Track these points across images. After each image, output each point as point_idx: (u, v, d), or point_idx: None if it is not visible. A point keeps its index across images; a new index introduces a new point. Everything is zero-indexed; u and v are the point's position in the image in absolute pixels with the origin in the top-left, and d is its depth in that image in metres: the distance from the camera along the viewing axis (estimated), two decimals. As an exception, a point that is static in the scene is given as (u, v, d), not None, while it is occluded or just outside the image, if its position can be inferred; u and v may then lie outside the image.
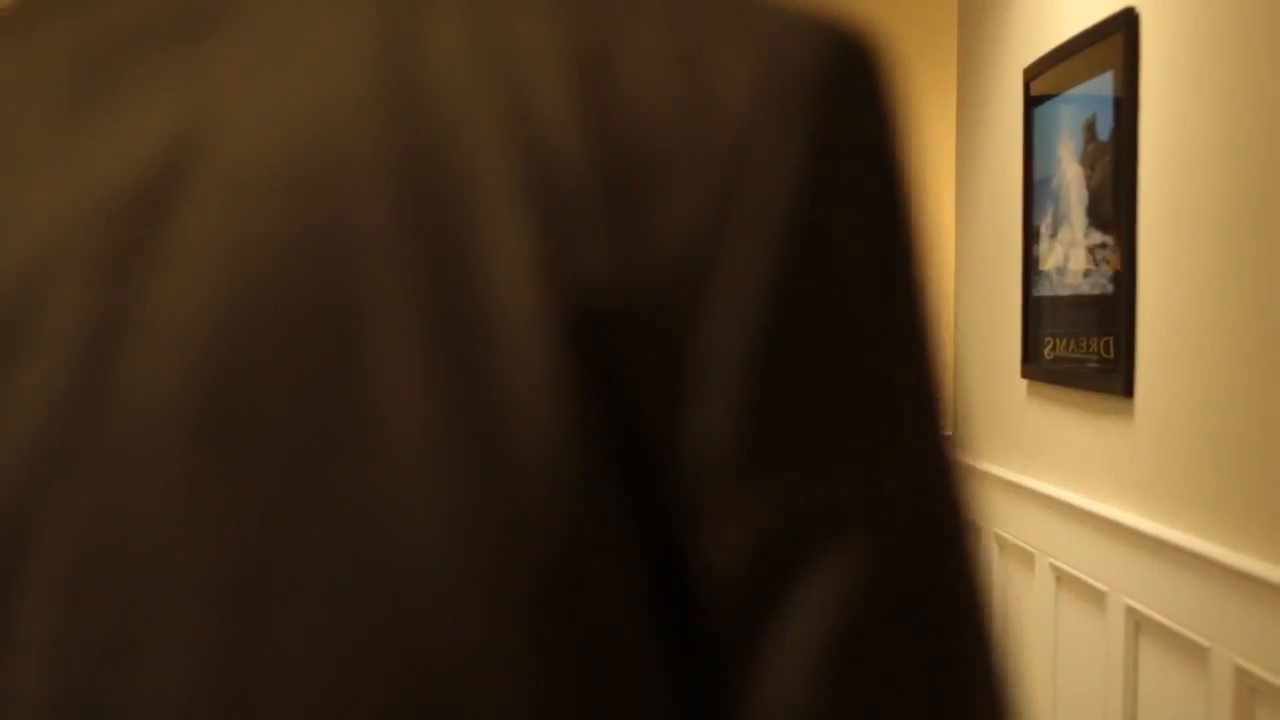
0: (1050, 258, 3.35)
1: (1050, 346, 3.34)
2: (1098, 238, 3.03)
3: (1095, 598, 2.95)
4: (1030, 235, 3.52)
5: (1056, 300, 3.29)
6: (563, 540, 0.49)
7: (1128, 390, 2.84)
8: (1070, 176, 3.22)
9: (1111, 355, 2.91)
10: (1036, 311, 3.46)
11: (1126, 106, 2.84)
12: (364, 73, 0.52)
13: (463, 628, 0.49)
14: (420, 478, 0.49)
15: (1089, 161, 3.10)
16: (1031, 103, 3.54)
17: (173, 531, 0.51)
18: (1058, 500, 3.20)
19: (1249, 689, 2.26)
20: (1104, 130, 2.99)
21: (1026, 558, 3.45)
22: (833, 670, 0.49)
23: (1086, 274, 3.08)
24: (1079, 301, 3.12)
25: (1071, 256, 3.20)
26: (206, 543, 0.51)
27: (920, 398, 0.51)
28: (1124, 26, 2.83)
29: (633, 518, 0.49)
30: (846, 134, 0.50)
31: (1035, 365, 3.46)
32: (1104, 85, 2.98)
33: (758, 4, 0.51)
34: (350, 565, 0.50)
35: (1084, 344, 3.08)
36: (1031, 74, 3.52)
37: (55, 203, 0.53)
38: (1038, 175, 3.48)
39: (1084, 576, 3.00)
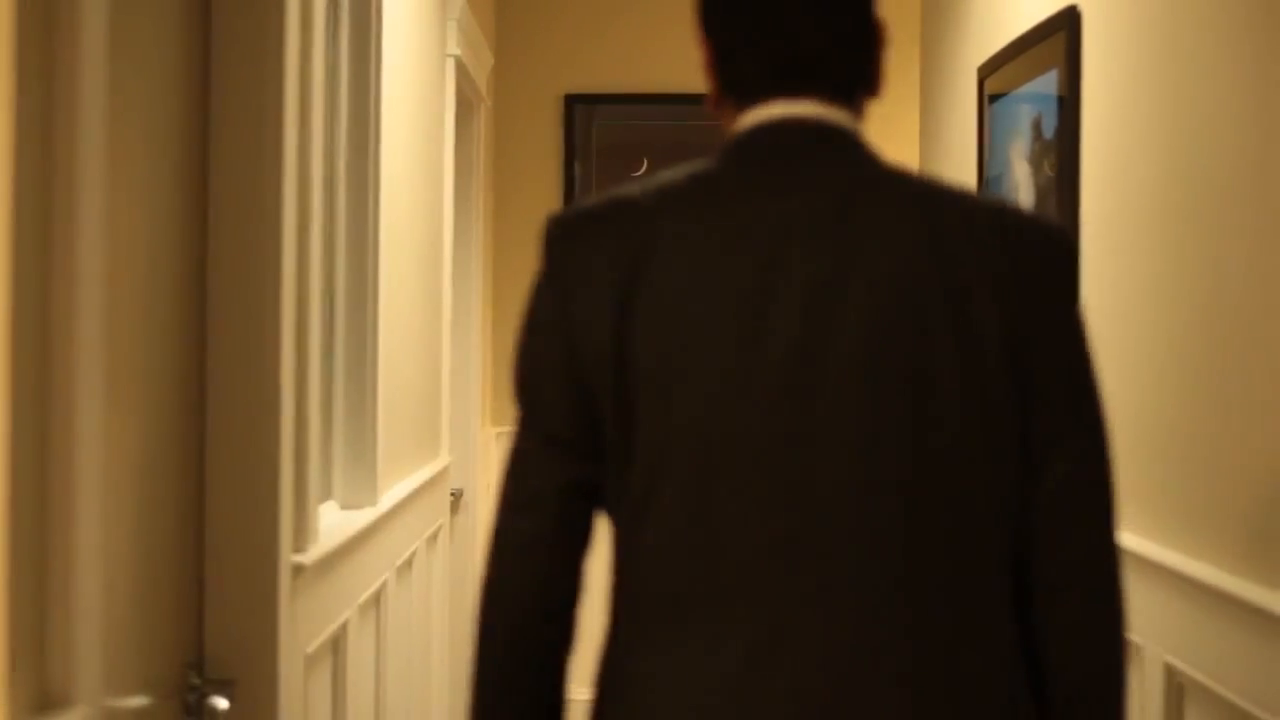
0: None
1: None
2: (1044, 236, 3.04)
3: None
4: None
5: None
6: (1000, 399, 1.43)
7: (1071, 388, 2.84)
8: (1020, 175, 3.22)
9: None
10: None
11: (1070, 104, 2.84)
12: (923, 237, 1.43)
13: (964, 422, 1.42)
14: (964, 362, 1.42)
15: (1036, 160, 3.10)
16: (986, 101, 3.54)
17: (851, 387, 1.41)
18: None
19: (1177, 685, 2.26)
20: (1049, 128, 2.99)
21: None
22: (1083, 414, 1.48)
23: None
24: (1027, 300, 3.12)
25: (1020, 255, 3.20)
26: (870, 390, 1.41)
27: (1094, 374, 1.49)
28: (1066, 25, 2.83)
29: (1014, 396, 1.43)
30: (1074, 268, 1.49)
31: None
32: (1049, 84, 2.99)
33: (1030, 212, 1.54)
34: (932, 386, 1.41)
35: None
36: (985, 72, 3.52)
37: (807, 275, 1.42)
38: (991, 174, 3.49)
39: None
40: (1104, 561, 1.48)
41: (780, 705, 1.39)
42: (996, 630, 1.45)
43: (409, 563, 3.47)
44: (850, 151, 1.48)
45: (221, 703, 1.97)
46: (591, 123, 5.60)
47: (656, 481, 1.43)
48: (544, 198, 5.61)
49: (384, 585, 3.04)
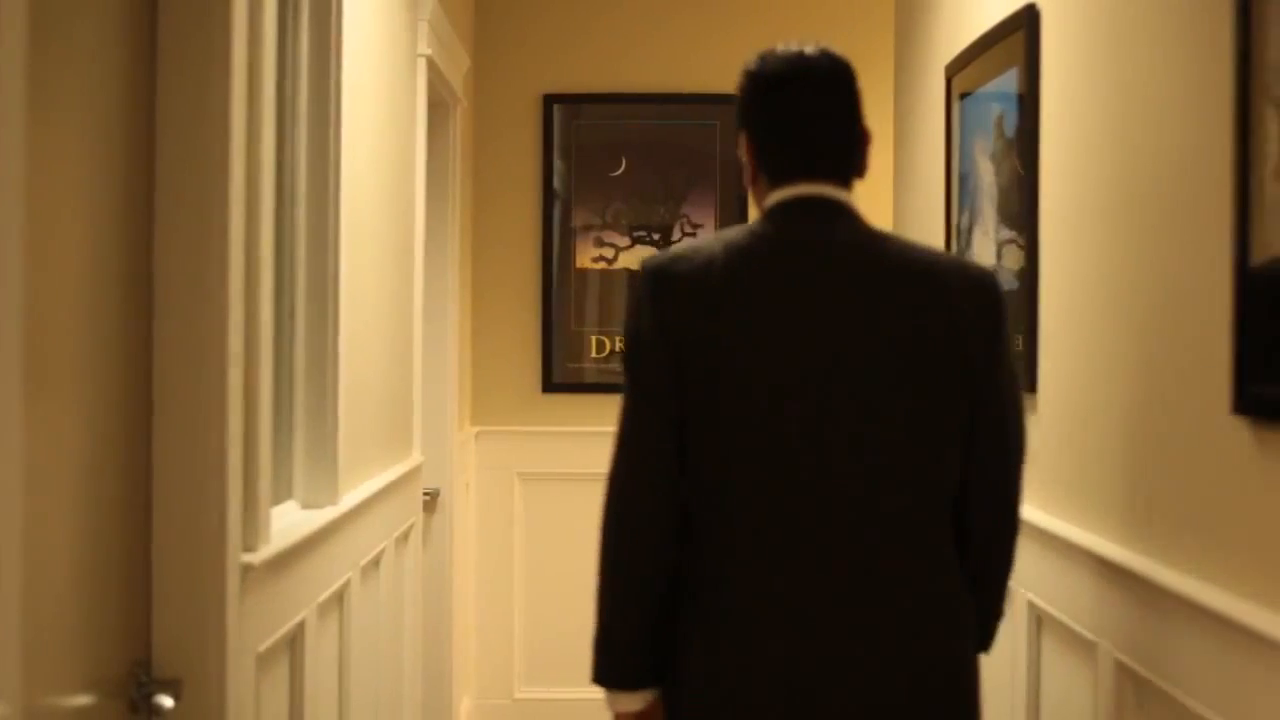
0: (968, 255, 3.36)
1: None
2: (1006, 234, 3.04)
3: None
4: (951, 233, 3.53)
5: (972, 296, 3.28)
6: (955, 399, 2.16)
7: (1031, 385, 2.84)
8: (984, 173, 3.23)
9: (1022, 349, 2.91)
10: (956, 308, 3.45)
11: (1029, 103, 2.84)
12: (904, 283, 2.18)
13: (931, 415, 2.17)
14: (935, 372, 2.16)
15: (998, 158, 3.10)
16: (953, 99, 3.54)
17: (858, 387, 2.13)
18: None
19: (1131, 684, 2.26)
20: (1010, 126, 3.00)
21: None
22: (1004, 409, 2.22)
23: (996, 270, 3.08)
24: (991, 298, 3.12)
25: (985, 253, 3.21)
26: (870, 390, 2.14)
27: (1015, 381, 2.27)
28: (1025, 24, 2.83)
29: (963, 396, 2.17)
30: (1001, 305, 2.22)
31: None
32: (1010, 82, 2.99)
33: (971, 263, 2.34)
34: (913, 389, 2.15)
35: (995, 340, 3.07)
36: (952, 70, 3.52)
37: (826, 305, 2.16)
38: (961, 171, 3.49)
39: (993, 572, 3.00)
40: (1012, 500, 2.27)
41: (809, 605, 2.11)
42: (944, 551, 2.18)
43: (375, 562, 3.46)
44: (850, 219, 2.20)
45: (167, 701, 1.97)
46: (570, 123, 5.60)
47: (726, 446, 2.12)
48: (523, 197, 5.61)
49: (347, 584, 3.03)
